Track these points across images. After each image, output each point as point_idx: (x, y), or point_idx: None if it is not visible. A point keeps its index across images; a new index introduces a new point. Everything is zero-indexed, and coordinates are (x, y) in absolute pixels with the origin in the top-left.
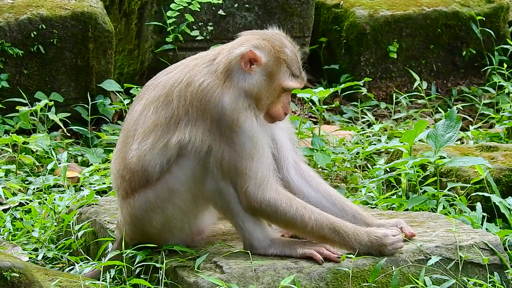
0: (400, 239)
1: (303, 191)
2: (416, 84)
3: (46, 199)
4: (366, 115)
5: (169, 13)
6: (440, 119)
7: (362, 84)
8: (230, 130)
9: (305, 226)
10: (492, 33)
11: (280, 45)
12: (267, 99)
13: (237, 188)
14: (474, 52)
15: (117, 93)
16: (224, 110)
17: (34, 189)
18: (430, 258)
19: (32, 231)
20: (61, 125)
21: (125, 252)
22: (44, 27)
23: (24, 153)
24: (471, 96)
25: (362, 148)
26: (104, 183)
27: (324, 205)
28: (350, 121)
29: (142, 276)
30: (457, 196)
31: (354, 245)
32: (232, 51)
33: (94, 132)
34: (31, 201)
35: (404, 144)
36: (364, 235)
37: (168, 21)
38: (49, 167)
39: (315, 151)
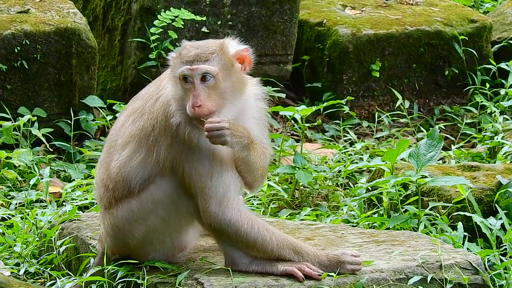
0: (358, 262)
1: None
2: (398, 103)
3: (28, 214)
4: (348, 133)
5: (152, 30)
6: (422, 138)
7: (344, 103)
8: (187, 147)
9: (265, 247)
10: (474, 52)
11: (187, 44)
12: (174, 97)
13: (198, 207)
14: (457, 71)
15: (99, 109)
16: (179, 127)
17: (16, 204)
18: (412, 278)
19: (14, 245)
20: (44, 140)
21: (107, 268)
22: (28, 43)
23: (6, 168)
24: (453, 116)
25: (344, 166)
26: (86, 199)
27: None
28: (332, 139)
29: None
30: (438, 215)
31: (310, 260)
32: None
33: (76, 147)
34: (13, 216)
35: (386, 163)
36: (323, 255)
37: (152, 38)
38: (32, 182)
39: (297, 169)
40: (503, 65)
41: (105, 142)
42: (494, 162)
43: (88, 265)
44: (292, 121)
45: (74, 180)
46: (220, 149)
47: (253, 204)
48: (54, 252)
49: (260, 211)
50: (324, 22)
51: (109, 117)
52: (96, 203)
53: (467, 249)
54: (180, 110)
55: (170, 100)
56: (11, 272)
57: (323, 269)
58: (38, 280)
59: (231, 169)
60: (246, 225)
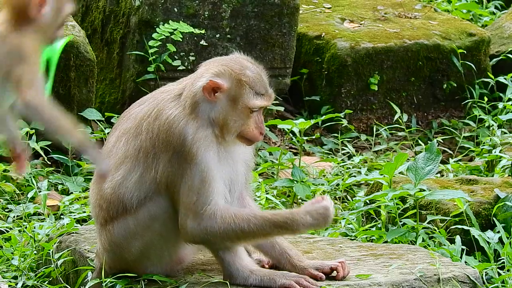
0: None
1: None
2: (396, 117)
3: (26, 227)
4: (347, 146)
5: (151, 43)
6: (420, 151)
7: (342, 116)
8: (185, 161)
9: (248, 235)
10: (473, 66)
11: (240, 68)
12: (235, 122)
13: (179, 219)
14: (455, 85)
15: (98, 122)
16: (185, 141)
17: (14, 217)
18: None
19: (12, 259)
20: (42, 153)
21: (105, 281)
22: None
23: (4, 180)
24: (452, 129)
25: (342, 179)
26: (84, 212)
27: None
28: (331, 152)
29: None
30: (436, 228)
31: (298, 227)
32: (195, 84)
33: (74, 160)
34: (11, 229)
35: (384, 176)
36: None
37: (150, 51)
38: (30, 195)
39: (295, 182)
40: (501, 79)
41: None
42: (492, 176)
43: (86, 279)
44: (290, 134)
45: (72, 193)
46: (215, 166)
47: None
48: (52, 265)
49: None
50: (322, 35)
51: (107, 130)
52: None
53: (465, 262)
54: (206, 128)
55: (175, 116)
56: (9, 286)
57: (307, 227)
58: None
59: (218, 186)
60: (223, 227)
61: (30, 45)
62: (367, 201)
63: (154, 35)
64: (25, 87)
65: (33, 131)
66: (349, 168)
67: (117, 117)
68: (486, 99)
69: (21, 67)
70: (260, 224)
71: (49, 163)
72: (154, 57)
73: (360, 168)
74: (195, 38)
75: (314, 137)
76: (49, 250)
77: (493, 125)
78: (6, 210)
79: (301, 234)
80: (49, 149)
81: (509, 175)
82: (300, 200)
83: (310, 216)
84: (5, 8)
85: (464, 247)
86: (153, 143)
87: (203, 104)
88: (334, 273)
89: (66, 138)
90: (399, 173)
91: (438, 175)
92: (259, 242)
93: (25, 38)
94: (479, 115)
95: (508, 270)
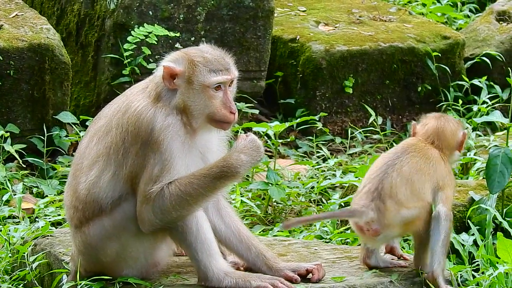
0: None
1: (214, 224)
2: (371, 119)
3: (1, 230)
4: (321, 149)
5: (126, 46)
6: None
7: (317, 119)
8: (151, 150)
9: (196, 198)
10: (447, 69)
11: (196, 51)
12: (197, 104)
13: (137, 210)
14: (430, 88)
15: (73, 125)
16: (153, 130)
17: None
18: None
19: None
20: (17, 156)
21: (80, 284)
22: (1, 59)
23: None
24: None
25: (317, 182)
26: (59, 215)
27: (232, 241)
28: (305, 155)
29: None
30: None
31: (237, 170)
32: (156, 75)
33: (49, 163)
34: None
35: (359, 179)
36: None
37: (125, 54)
38: (4, 198)
39: (270, 185)
40: (475, 82)
41: (71, 165)
42: (467, 178)
43: (61, 282)
44: (265, 137)
45: (47, 196)
46: (180, 156)
47: None
48: (27, 268)
49: None
50: (297, 38)
51: (82, 133)
52: None
53: None
54: (174, 116)
55: (142, 107)
56: None
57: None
58: None
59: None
60: (173, 200)
61: None
62: (342, 203)
63: (129, 38)
64: None
65: (8, 134)
66: (324, 171)
67: (92, 120)
68: (460, 102)
69: None
70: (203, 183)
71: (24, 166)
72: (129, 60)
73: (335, 170)
74: (170, 41)
75: (289, 140)
76: (24, 253)
77: (467, 128)
78: None
79: (243, 176)
80: (24, 152)
81: (483, 178)
82: (275, 203)
83: (243, 154)
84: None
85: None
86: (123, 137)
87: (166, 93)
88: (310, 276)
89: None
90: None
91: None
92: (211, 200)
93: None
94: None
95: (482, 273)
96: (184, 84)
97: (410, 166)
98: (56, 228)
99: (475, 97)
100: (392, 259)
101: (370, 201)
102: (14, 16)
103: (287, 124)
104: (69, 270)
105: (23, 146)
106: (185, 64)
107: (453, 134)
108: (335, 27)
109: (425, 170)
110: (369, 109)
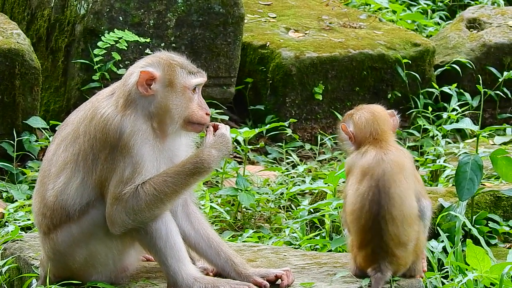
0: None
1: (184, 230)
2: None
3: None
4: (291, 156)
5: (96, 51)
6: None
7: (287, 125)
8: (121, 154)
9: (170, 196)
10: (417, 76)
11: (167, 56)
12: (177, 107)
13: (106, 212)
14: (399, 95)
15: (42, 130)
16: (122, 135)
17: None
18: None
19: None
20: None
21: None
22: None
23: None
24: (396, 139)
25: (287, 188)
26: (29, 219)
27: (201, 247)
28: (275, 161)
29: None
30: None
31: (210, 165)
32: (127, 82)
33: (19, 168)
34: None
35: (328, 185)
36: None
37: (95, 59)
38: None
39: (240, 191)
40: (445, 89)
41: (39, 172)
42: (436, 185)
43: (30, 286)
44: (235, 143)
45: (16, 200)
46: (150, 160)
47: None
48: None
49: None
50: (267, 44)
51: (52, 138)
52: None
53: None
54: (144, 122)
55: (110, 113)
56: None
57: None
58: None
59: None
60: (148, 200)
61: None
62: (311, 210)
63: (99, 44)
64: None
65: None
66: (294, 177)
67: (59, 126)
68: (430, 109)
69: None
70: (177, 180)
71: None
72: (99, 65)
73: (304, 177)
74: (140, 46)
75: (258, 146)
76: None
77: (437, 135)
78: None
79: (214, 169)
80: None
81: (452, 185)
82: (244, 209)
83: (214, 149)
84: None
85: None
86: (91, 144)
87: (140, 101)
88: (279, 281)
89: None
90: (343, 182)
91: None
92: (182, 197)
93: None
94: (424, 125)
95: (451, 280)
96: (163, 88)
97: (398, 192)
98: (26, 232)
99: (445, 104)
100: None
101: (377, 263)
102: None
103: (257, 130)
104: (38, 274)
105: None
106: (163, 68)
107: (385, 115)
108: (305, 34)
109: (409, 183)
110: (339, 115)
